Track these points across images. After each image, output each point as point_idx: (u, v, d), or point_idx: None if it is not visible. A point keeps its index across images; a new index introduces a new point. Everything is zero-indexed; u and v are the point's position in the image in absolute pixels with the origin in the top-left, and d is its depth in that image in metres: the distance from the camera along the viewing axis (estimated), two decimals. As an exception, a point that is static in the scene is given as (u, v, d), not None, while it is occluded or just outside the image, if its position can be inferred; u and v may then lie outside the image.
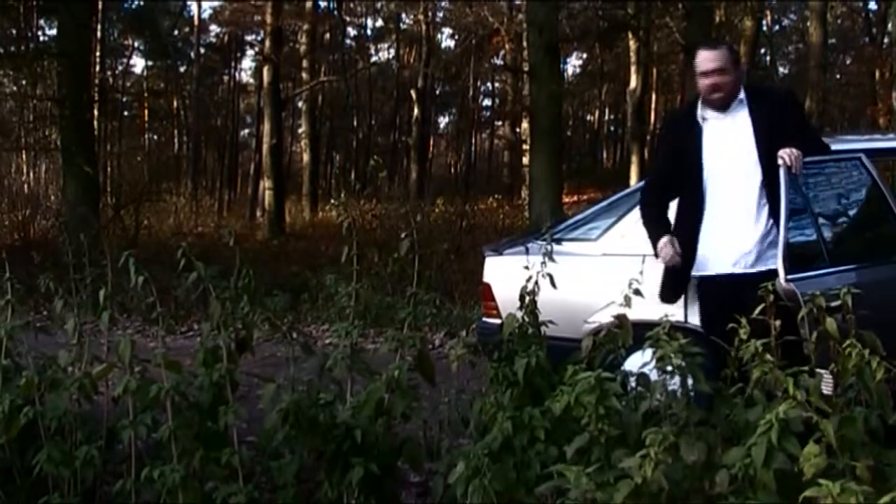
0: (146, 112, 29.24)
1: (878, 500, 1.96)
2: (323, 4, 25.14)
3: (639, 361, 3.07)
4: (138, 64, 33.35)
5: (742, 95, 3.60)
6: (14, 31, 17.67)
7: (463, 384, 4.56)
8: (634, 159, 20.47)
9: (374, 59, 32.57)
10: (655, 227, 3.70)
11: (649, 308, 3.37)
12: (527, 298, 3.51)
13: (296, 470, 3.21)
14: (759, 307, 2.71)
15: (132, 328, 8.21)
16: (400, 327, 3.45)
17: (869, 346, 2.49)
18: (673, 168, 3.70)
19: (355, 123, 31.45)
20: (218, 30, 30.65)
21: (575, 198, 21.69)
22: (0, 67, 17.93)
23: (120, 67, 30.22)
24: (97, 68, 19.85)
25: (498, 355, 3.32)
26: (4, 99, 20.04)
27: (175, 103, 29.99)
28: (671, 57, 20.76)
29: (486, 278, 4.75)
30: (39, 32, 19.91)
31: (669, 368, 2.62)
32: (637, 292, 3.35)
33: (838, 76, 22.84)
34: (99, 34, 20.40)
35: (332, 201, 17.63)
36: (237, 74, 34.00)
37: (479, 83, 33.21)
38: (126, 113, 28.89)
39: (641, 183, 4.63)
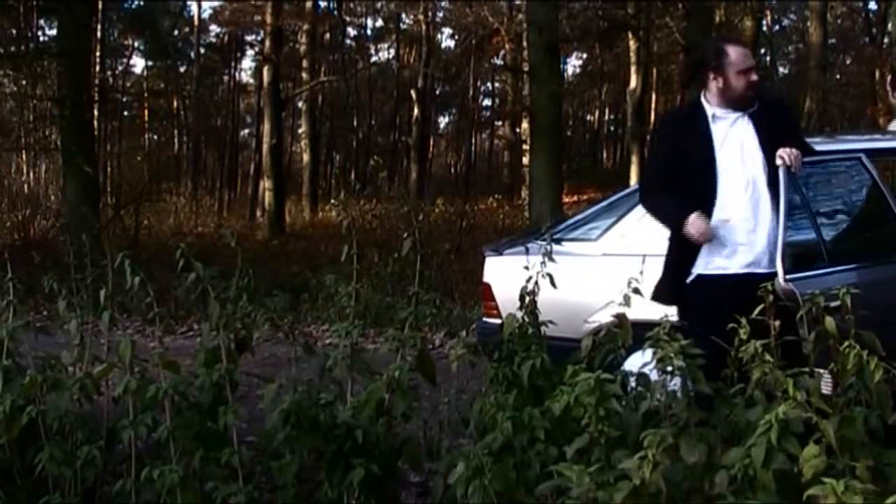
0: (146, 112, 29.23)
1: (879, 501, 1.97)
2: (323, 4, 25.17)
3: (639, 361, 3.07)
4: (138, 64, 33.38)
5: None
6: (14, 31, 17.67)
7: (463, 384, 4.56)
8: (634, 159, 20.45)
9: (374, 59, 32.60)
10: (674, 206, 3.56)
11: (649, 308, 3.37)
12: (527, 298, 3.51)
13: (296, 470, 3.21)
14: (759, 307, 2.71)
15: (132, 328, 8.21)
16: (400, 327, 3.46)
17: (868, 346, 2.50)
18: (673, 167, 3.60)
19: (355, 123, 31.45)
20: (218, 30, 30.67)
21: (575, 198, 21.70)
22: (0, 67, 17.92)
23: (120, 67, 30.23)
24: (97, 68, 19.85)
25: (498, 355, 3.32)
26: (4, 99, 20.02)
27: (175, 103, 29.99)
28: (671, 57, 20.75)
29: (486, 278, 4.76)
30: (39, 32, 19.92)
31: (670, 369, 2.62)
32: (637, 292, 3.36)
33: (838, 76, 22.84)
34: (99, 34, 20.40)
35: (332, 201, 17.62)
36: (237, 74, 34.03)
37: (479, 83, 33.22)
38: (126, 113, 28.88)
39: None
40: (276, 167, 19.48)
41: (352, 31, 30.62)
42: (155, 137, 31.12)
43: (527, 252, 4.26)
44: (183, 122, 30.17)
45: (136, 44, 30.08)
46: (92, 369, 3.51)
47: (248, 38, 29.63)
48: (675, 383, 2.66)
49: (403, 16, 30.16)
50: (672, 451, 2.36)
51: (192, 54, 28.32)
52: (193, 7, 27.86)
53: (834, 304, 2.68)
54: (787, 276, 3.28)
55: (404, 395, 3.24)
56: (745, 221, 3.49)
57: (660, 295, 3.56)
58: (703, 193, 3.52)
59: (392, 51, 32.82)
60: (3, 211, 16.33)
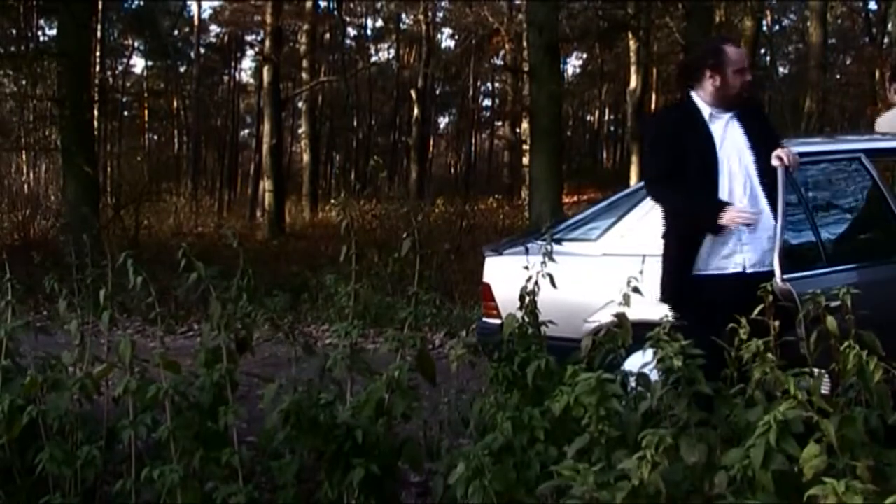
0: (146, 112, 29.23)
1: (880, 501, 1.97)
2: (323, 4, 25.17)
3: (639, 361, 3.07)
4: (138, 64, 33.36)
5: None
6: (14, 31, 17.67)
7: (463, 384, 4.56)
8: (634, 159, 20.43)
9: (374, 59, 32.58)
10: (703, 200, 3.51)
11: (649, 308, 3.37)
12: (527, 298, 3.51)
13: (296, 470, 3.21)
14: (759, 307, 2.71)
15: (132, 328, 8.21)
16: (400, 327, 3.46)
17: (868, 346, 2.50)
18: (675, 166, 3.57)
19: (355, 123, 31.44)
20: (218, 30, 30.67)
21: (575, 198, 21.69)
22: (0, 67, 17.92)
23: (120, 67, 30.22)
24: (97, 68, 19.85)
25: (498, 355, 3.32)
26: (4, 99, 20.01)
27: (175, 103, 29.98)
28: (671, 57, 20.73)
29: (486, 278, 4.76)
30: (39, 32, 19.93)
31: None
32: (637, 291, 3.36)
33: (838, 76, 22.82)
34: (99, 34, 20.39)
35: (332, 201, 17.63)
36: (237, 74, 34.03)
37: (479, 83, 33.21)
38: (126, 113, 28.86)
39: (641, 184, 4.59)
40: (276, 167, 19.47)
41: (352, 31, 30.65)
42: (155, 137, 31.14)
43: (527, 252, 4.26)
44: (183, 122, 30.17)
45: (136, 44, 30.08)
46: (92, 369, 3.51)
47: (248, 38, 29.66)
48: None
49: (403, 16, 30.17)
50: (672, 452, 2.36)
51: (192, 54, 28.32)
52: (193, 7, 27.89)
53: (834, 304, 2.68)
54: (786, 277, 3.29)
55: (404, 395, 3.24)
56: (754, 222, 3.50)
57: (666, 295, 3.55)
58: (705, 192, 3.52)
59: (392, 51, 32.83)
60: (3, 211, 16.32)
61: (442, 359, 5.12)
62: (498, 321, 3.79)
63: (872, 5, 21.87)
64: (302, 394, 3.21)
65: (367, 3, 28.27)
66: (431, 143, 31.96)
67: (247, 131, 35.65)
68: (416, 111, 26.36)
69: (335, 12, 24.77)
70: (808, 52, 19.43)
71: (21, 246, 12.67)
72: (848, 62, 25.39)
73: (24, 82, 17.16)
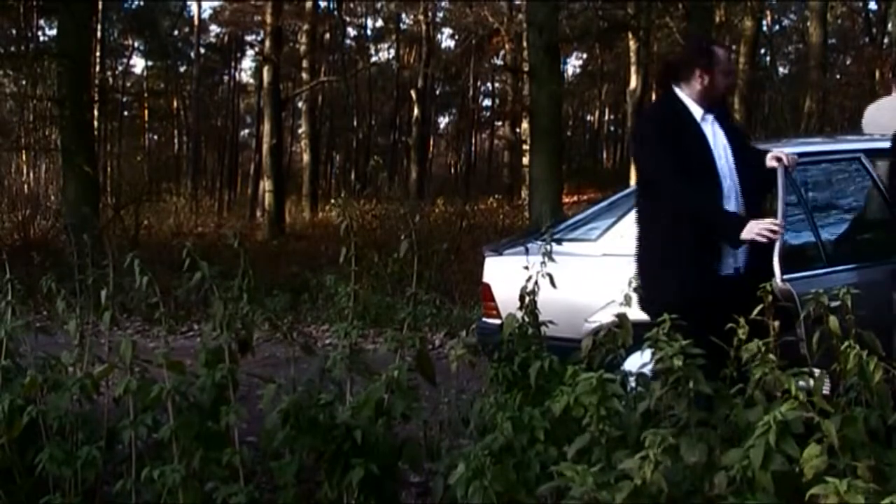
0: (146, 112, 29.25)
1: (881, 501, 1.97)
2: (323, 4, 25.17)
3: (639, 361, 3.07)
4: (138, 64, 33.37)
5: None
6: (14, 31, 17.68)
7: (463, 384, 4.56)
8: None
9: (374, 59, 32.58)
10: (721, 208, 3.45)
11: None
12: (527, 298, 3.51)
13: (296, 470, 3.21)
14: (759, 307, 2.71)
15: (132, 328, 8.22)
16: (400, 327, 3.45)
17: (868, 346, 2.50)
18: (682, 163, 3.48)
19: (355, 123, 31.43)
20: (218, 30, 30.69)
21: (575, 198, 21.68)
22: (0, 67, 17.92)
23: (120, 67, 30.24)
24: (97, 68, 19.87)
25: (498, 355, 3.32)
26: (4, 99, 20.04)
27: (175, 103, 30.01)
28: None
29: (486, 278, 4.76)
30: (39, 32, 19.94)
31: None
32: (637, 291, 3.36)
33: (838, 76, 22.81)
34: (99, 34, 20.42)
35: (332, 201, 17.63)
36: (237, 74, 34.06)
37: (479, 83, 33.21)
38: (126, 113, 28.89)
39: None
40: (276, 167, 19.47)
41: (352, 31, 30.66)
42: (155, 137, 31.19)
43: (527, 252, 4.26)
44: (183, 122, 30.19)
45: (136, 44, 30.10)
46: (92, 369, 3.51)
47: (248, 38, 29.67)
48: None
49: (403, 16, 30.18)
50: (672, 452, 2.36)
51: (192, 54, 28.35)
52: (193, 7, 27.92)
53: (834, 304, 2.68)
54: (787, 277, 3.28)
55: (404, 396, 3.24)
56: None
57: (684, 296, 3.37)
58: (707, 194, 3.49)
59: (392, 51, 32.83)
60: (3, 211, 16.33)
61: (442, 359, 5.12)
62: (498, 321, 3.79)
63: (872, 5, 21.89)
64: (301, 394, 3.21)
65: (367, 3, 28.28)
66: (431, 143, 31.97)
67: (247, 131, 35.68)
68: (416, 111, 26.36)
69: (335, 12, 24.79)
70: (808, 52, 19.44)
71: (21, 246, 12.67)
72: (848, 62, 25.37)
73: (24, 82, 17.16)
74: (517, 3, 22.29)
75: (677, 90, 3.58)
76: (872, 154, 4.15)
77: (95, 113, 15.70)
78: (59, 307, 3.61)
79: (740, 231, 3.35)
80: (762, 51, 23.28)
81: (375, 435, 3.17)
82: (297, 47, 24.10)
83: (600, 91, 33.46)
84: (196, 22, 27.80)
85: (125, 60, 30.66)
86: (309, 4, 22.00)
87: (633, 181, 17.86)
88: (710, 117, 3.57)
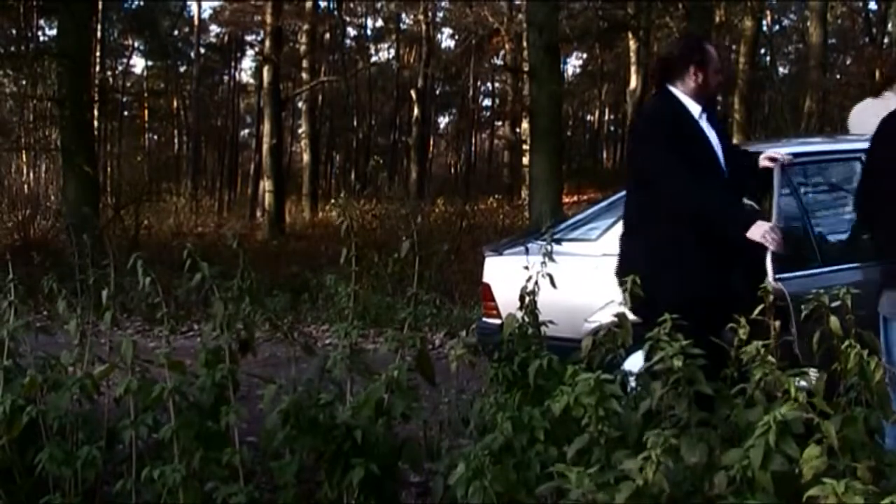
0: (146, 112, 29.27)
1: (879, 501, 1.97)
2: (323, 4, 25.18)
3: (639, 361, 3.07)
4: (138, 64, 33.42)
5: None
6: (14, 31, 17.67)
7: (463, 384, 4.56)
8: (634, 159, 20.38)
9: (374, 59, 32.60)
10: (734, 206, 3.44)
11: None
12: (527, 298, 3.51)
13: (296, 470, 3.21)
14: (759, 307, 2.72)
15: (132, 328, 8.22)
16: (400, 327, 3.45)
17: (868, 346, 2.50)
18: (685, 162, 3.44)
19: (355, 123, 31.45)
20: (218, 30, 30.70)
21: (575, 198, 21.68)
22: (0, 67, 17.92)
23: (120, 67, 30.26)
24: (97, 68, 19.88)
25: (498, 355, 3.32)
26: (4, 99, 20.04)
27: (175, 103, 30.02)
28: (671, 57, 20.69)
29: (486, 278, 4.76)
30: (39, 32, 19.93)
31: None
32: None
33: (838, 76, 22.81)
34: (99, 34, 20.42)
35: (332, 201, 17.63)
36: (237, 74, 34.06)
37: (479, 83, 33.22)
38: (126, 113, 28.89)
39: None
40: (276, 167, 19.48)
41: (352, 31, 30.70)
42: (155, 137, 31.20)
43: (527, 252, 4.26)
44: (183, 122, 30.21)
45: (136, 44, 30.11)
46: (92, 369, 3.51)
47: (248, 38, 29.69)
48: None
49: (403, 16, 30.19)
50: (673, 452, 2.36)
51: (192, 54, 28.36)
52: (193, 7, 27.94)
53: (834, 304, 2.68)
54: (782, 276, 3.28)
55: (404, 396, 3.24)
56: None
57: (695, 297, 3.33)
58: (712, 190, 3.49)
59: (392, 51, 32.84)
60: (3, 211, 16.33)
61: (442, 359, 5.12)
62: (498, 321, 3.79)
63: (872, 5, 21.89)
64: (301, 394, 3.21)
65: (367, 3, 28.29)
66: (431, 143, 31.97)
67: (247, 131, 35.69)
68: (416, 111, 26.37)
69: (335, 12, 24.81)
70: (808, 52, 19.44)
71: (21, 246, 12.68)
72: (848, 62, 25.37)
73: (24, 82, 17.16)
74: (517, 3, 22.30)
75: (672, 89, 3.57)
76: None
77: (95, 113, 15.71)
78: (60, 307, 3.61)
79: (748, 227, 3.30)
80: (762, 51, 23.28)
81: (375, 435, 3.17)
82: (297, 47, 24.11)
83: (600, 91, 33.47)
84: (196, 22, 27.83)
85: (125, 60, 30.73)
86: (309, 4, 22.01)
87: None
88: (705, 115, 3.57)
